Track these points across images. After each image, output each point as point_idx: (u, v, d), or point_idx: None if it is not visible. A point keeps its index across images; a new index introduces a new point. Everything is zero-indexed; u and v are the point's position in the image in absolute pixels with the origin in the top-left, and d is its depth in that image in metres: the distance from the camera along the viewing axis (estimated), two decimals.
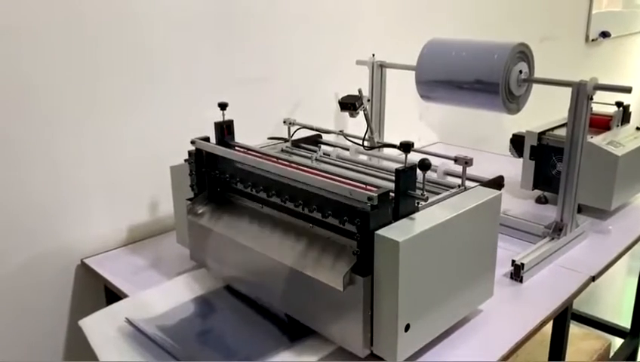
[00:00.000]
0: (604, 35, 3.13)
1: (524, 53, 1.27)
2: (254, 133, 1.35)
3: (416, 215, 0.90)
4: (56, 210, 1.24)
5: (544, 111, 1.70)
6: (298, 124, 1.37)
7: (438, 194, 1.00)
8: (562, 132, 1.38)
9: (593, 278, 1.19)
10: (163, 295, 1.10)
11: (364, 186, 0.90)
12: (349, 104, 1.34)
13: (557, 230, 1.27)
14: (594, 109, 1.43)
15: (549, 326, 1.25)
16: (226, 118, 1.20)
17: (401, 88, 1.61)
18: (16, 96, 1.14)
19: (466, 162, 1.03)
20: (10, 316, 1.22)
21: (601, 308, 2.36)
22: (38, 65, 1.15)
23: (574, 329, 1.89)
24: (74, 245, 1.28)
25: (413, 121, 2.07)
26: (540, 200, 1.57)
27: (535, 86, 1.30)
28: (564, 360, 1.33)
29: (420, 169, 0.89)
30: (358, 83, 1.46)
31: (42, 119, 1.18)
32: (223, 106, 1.18)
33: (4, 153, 1.14)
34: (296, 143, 1.36)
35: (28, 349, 1.26)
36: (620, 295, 2.65)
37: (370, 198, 0.85)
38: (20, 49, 1.13)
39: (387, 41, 1.83)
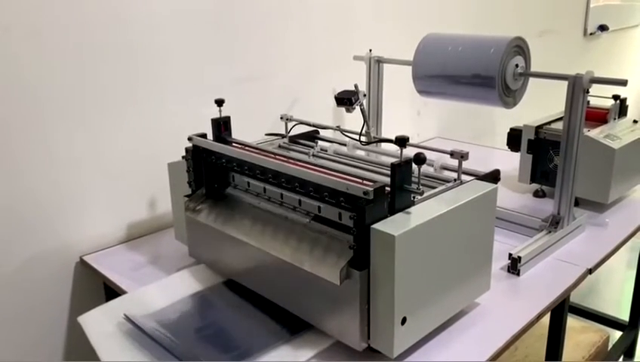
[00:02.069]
0: (603, 28, 3.13)
1: (520, 47, 1.27)
2: (251, 129, 1.36)
3: (412, 209, 0.91)
4: (54, 208, 1.25)
5: (543, 105, 1.70)
6: (295, 120, 1.37)
7: (434, 188, 1.00)
8: (559, 126, 1.38)
9: (590, 271, 1.19)
10: (162, 291, 1.11)
11: (360, 181, 0.90)
12: (345, 99, 1.34)
13: (554, 223, 1.28)
14: (591, 103, 1.44)
15: (547, 319, 1.25)
16: (223, 114, 1.20)
17: (399, 83, 1.62)
18: (15, 95, 1.14)
19: (462, 156, 1.03)
20: (9, 313, 1.22)
21: (601, 302, 2.37)
22: (36, 63, 1.16)
23: (573, 322, 1.90)
24: (73, 242, 1.28)
25: (412, 117, 2.07)
26: (538, 194, 1.57)
27: (533, 80, 1.30)
28: (562, 352, 1.33)
29: (416, 163, 0.89)
30: (356, 79, 1.47)
31: (40, 118, 1.18)
32: (219, 103, 1.18)
33: (2, 151, 1.15)
34: (294, 139, 1.36)
35: (28, 346, 1.26)
36: (620, 288, 2.65)
37: (366, 193, 0.85)
38: (18, 48, 1.13)
39: (384, 37, 1.84)
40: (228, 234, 1.07)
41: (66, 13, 1.18)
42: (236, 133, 1.22)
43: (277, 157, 1.07)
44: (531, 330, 1.04)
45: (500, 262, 1.18)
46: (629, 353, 2.02)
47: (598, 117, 1.55)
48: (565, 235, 1.29)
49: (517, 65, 1.26)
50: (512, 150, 1.60)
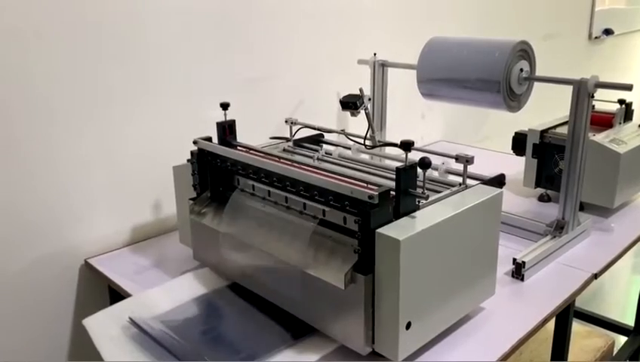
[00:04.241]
0: (607, 32, 3.12)
1: (525, 52, 1.27)
2: (256, 132, 1.36)
3: (417, 213, 0.90)
4: (59, 211, 1.25)
5: (548, 109, 1.70)
6: (300, 124, 1.38)
7: (439, 192, 1.00)
8: (564, 130, 1.38)
9: (595, 276, 1.19)
10: (166, 294, 1.11)
11: (365, 185, 0.90)
12: (350, 103, 1.34)
13: (559, 228, 1.27)
14: (596, 107, 1.43)
15: (552, 324, 1.25)
16: (228, 117, 1.20)
17: (403, 87, 1.62)
18: (20, 98, 1.15)
19: (467, 160, 1.03)
20: (14, 316, 1.23)
21: (606, 306, 2.36)
22: (41, 65, 1.16)
23: (578, 327, 1.89)
24: (77, 245, 1.29)
25: (416, 120, 2.07)
26: (543, 199, 1.57)
27: (538, 84, 1.30)
28: (567, 357, 1.33)
29: (421, 167, 0.89)
30: (360, 82, 1.47)
31: (46, 120, 1.19)
32: (224, 106, 1.19)
33: (8, 154, 1.15)
34: (298, 143, 1.36)
35: (32, 348, 1.27)
36: (625, 293, 2.64)
37: (370, 197, 0.85)
38: (24, 50, 1.13)
39: (389, 40, 1.84)
40: (232, 237, 1.07)
41: (70, 14, 1.18)
42: (241, 136, 1.22)
43: (281, 160, 1.07)
44: (536, 335, 1.04)
45: (504, 266, 1.18)
46: (635, 358, 2.01)
47: (604, 121, 1.54)
48: (570, 240, 1.29)
49: (522, 70, 1.25)
50: (516, 154, 1.59)
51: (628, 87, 1.16)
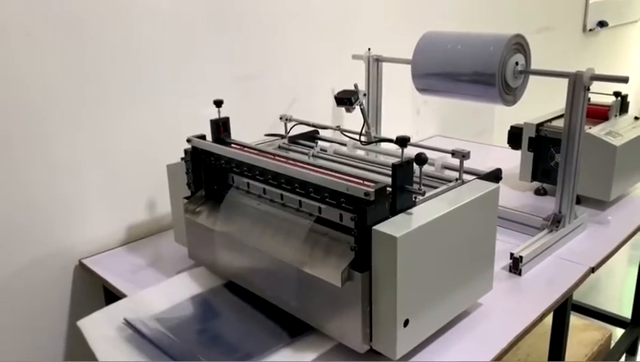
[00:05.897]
0: (602, 24, 3.12)
1: (520, 45, 1.26)
2: (251, 130, 1.35)
3: (414, 209, 0.90)
4: (53, 211, 1.24)
5: (543, 102, 1.69)
6: (295, 120, 1.37)
7: (435, 188, 0.99)
8: (560, 123, 1.37)
9: (593, 269, 1.18)
10: (161, 294, 1.10)
11: (361, 182, 0.89)
12: (345, 99, 1.33)
13: (555, 222, 1.27)
14: (592, 100, 1.43)
15: (549, 318, 1.25)
16: (222, 115, 1.19)
17: (398, 82, 1.61)
18: (12, 98, 1.13)
19: (464, 155, 1.03)
20: (9, 318, 1.22)
21: (602, 299, 2.36)
22: (33, 65, 1.15)
23: (575, 320, 1.90)
24: (72, 246, 1.28)
25: (411, 115, 2.07)
26: (539, 192, 1.56)
27: (534, 77, 1.29)
28: (564, 351, 1.33)
29: (417, 163, 0.89)
30: (355, 78, 1.46)
31: (39, 120, 1.18)
32: (218, 103, 1.18)
33: (1, 154, 1.14)
34: (293, 140, 1.35)
35: (28, 350, 1.26)
36: (621, 285, 2.65)
37: (367, 194, 0.85)
38: (15, 49, 1.12)
39: (384, 36, 1.83)
40: (228, 236, 1.07)
41: (64, 14, 1.17)
42: (235, 134, 1.22)
43: (276, 158, 1.06)
44: (533, 329, 1.03)
45: (501, 261, 1.17)
46: (632, 350, 2.02)
47: (599, 114, 1.54)
48: (567, 234, 1.29)
49: (517, 63, 1.25)
50: (512, 148, 1.59)
51: (624, 80, 1.15)
